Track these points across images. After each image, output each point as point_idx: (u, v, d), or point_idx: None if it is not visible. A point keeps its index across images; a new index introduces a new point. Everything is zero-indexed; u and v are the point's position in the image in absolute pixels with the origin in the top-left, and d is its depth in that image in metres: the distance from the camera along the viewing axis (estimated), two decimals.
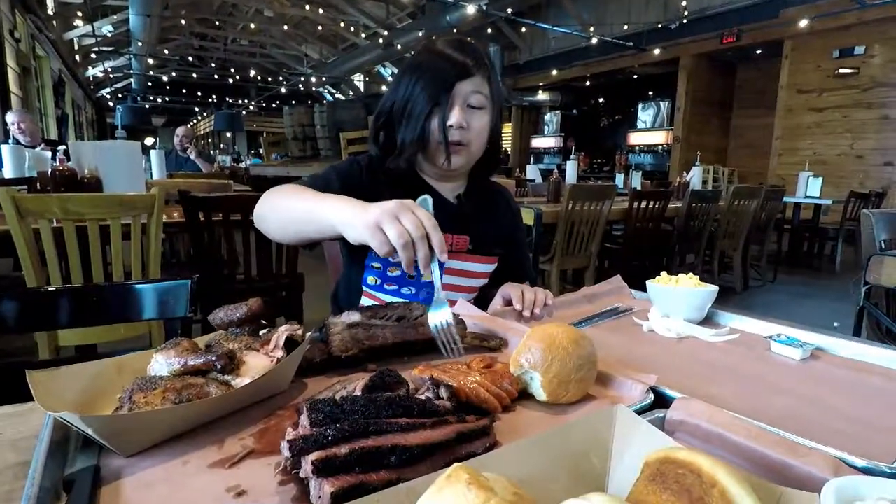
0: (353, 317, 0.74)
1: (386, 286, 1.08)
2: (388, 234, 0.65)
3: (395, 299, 1.00)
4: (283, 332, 0.65)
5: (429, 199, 0.75)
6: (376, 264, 1.07)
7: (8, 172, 2.99)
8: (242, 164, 11.29)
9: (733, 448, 0.48)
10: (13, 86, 6.23)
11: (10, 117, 4.16)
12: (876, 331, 1.83)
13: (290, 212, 0.86)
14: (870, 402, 0.65)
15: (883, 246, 1.88)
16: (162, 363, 0.60)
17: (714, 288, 0.95)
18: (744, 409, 0.58)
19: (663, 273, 1.01)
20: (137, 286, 1.02)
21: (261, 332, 0.68)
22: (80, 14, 9.73)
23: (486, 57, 1.03)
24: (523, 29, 11.05)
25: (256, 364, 0.60)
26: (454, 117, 0.98)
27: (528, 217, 3.17)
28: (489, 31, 11.03)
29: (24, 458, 0.50)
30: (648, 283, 0.99)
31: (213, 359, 0.58)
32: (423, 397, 0.53)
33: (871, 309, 1.71)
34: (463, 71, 0.99)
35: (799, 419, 0.59)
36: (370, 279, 1.08)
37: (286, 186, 0.92)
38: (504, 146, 14.32)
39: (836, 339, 0.82)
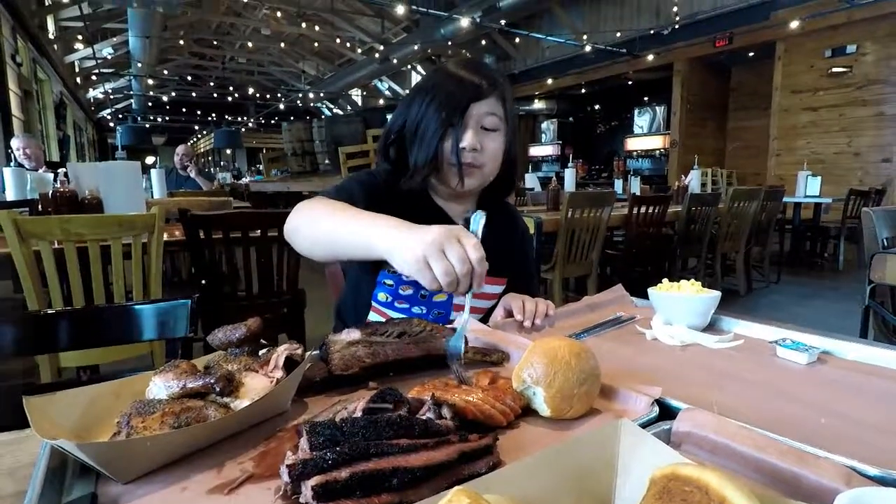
0: (354, 334, 0.74)
1: (396, 304, 1.07)
2: (434, 271, 0.64)
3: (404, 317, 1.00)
4: (282, 351, 0.64)
5: (480, 215, 0.72)
6: (389, 281, 1.06)
7: (10, 195, 3.01)
8: (243, 181, 11.34)
9: (742, 459, 0.47)
10: (15, 109, 6.28)
11: (16, 142, 4.18)
12: (883, 329, 1.81)
13: (329, 230, 0.82)
14: (880, 407, 0.63)
15: (886, 244, 1.87)
16: (160, 386, 0.59)
17: (716, 293, 0.94)
18: (751, 417, 0.57)
19: (665, 280, 1.00)
20: (137, 307, 1.02)
21: (260, 352, 0.68)
22: (80, 37, 9.84)
23: (500, 78, 1.03)
24: (517, 39, 11.14)
25: (256, 385, 0.60)
26: (467, 139, 0.98)
27: (528, 226, 3.17)
28: (483, 42, 11.12)
29: (20, 488, 0.50)
30: (650, 290, 0.99)
31: (212, 381, 0.57)
32: (424, 417, 0.52)
33: (876, 308, 1.70)
34: (477, 92, 0.98)
35: (808, 426, 0.58)
36: (381, 296, 1.08)
37: (319, 200, 0.89)
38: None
39: (843, 341, 0.81)
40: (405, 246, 0.66)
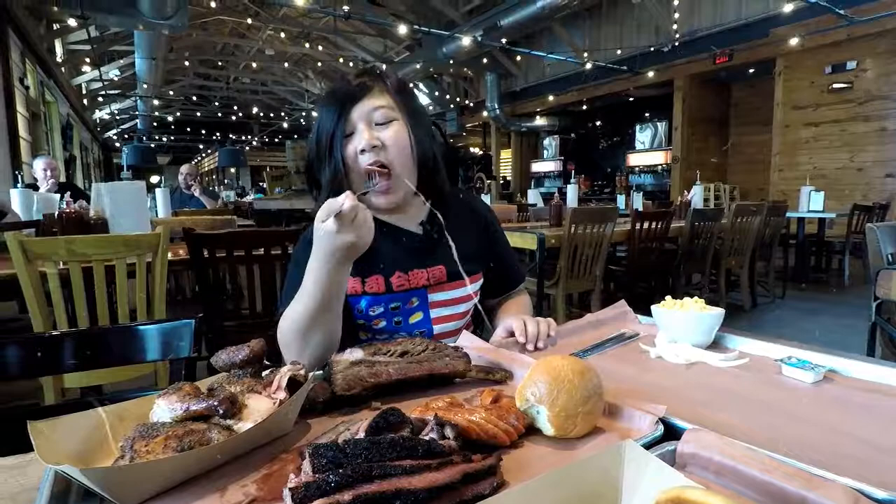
0: (356, 354, 0.74)
1: (378, 338, 1.05)
2: (333, 226, 0.76)
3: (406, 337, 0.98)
4: (285, 372, 0.64)
5: None
6: (360, 321, 1.04)
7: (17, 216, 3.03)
8: (247, 199, 11.41)
9: (748, 482, 0.46)
10: (22, 131, 6.36)
11: (42, 163, 4.15)
12: (890, 346, 1.80)
13: (302, 319, 0.84)
14: (888, 427, 0.63)
15: (890, 259, 1.86)
16: (164, 409, 0.59)
17: (720, 311, 0.93)
18: (756, 437, 0.57)
19: (668, 297, 1.00)
20: (141, 328, 1.02)
21: (263, 374, 0.68)
22: (87, 60, 10.01)
23: (381, 72, 1.02)
24: (518, 57, 11.28)
25: (259, 407, 0.60)
26: (364, 141, 0.94)
27: (531, 242, 3.18)
28: (485, 60, 11.26)
29: None
30: (653, 307, 0.98)
31: (215, 404, 0.57)
32: (427, 437, 0.52)
33: (883, 325, 1.69)
34: (357, 91, 0.96)
35: (814, 447, 0.57)
36: (361, 334, 1.07)
37: (281, 325, 0.89)
38: (504, 172, 14.39)
39: (850, 360, 0.81)
40: (318, 248, 0.80)
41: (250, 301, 2.22)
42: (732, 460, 0.48)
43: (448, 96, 13.97)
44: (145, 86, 11.75)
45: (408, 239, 1.06)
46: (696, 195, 5.14)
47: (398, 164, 0.97)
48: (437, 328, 1.06)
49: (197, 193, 5.26)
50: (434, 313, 1.06)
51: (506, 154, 14.36)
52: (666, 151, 10.14)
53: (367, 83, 0.98)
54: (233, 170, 22.38)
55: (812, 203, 5.51)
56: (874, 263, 1.85)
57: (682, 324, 0.92)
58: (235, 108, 17.32)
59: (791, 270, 5.83)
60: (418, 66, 10.76)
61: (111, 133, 19.47)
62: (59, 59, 8.97)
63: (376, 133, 0.96)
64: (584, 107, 12.18)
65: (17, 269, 1.64)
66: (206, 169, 23.53)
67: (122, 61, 11.35)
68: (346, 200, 0.75)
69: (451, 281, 1.06)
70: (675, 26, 8.40)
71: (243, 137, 21.58)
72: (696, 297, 0.98)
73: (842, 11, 6.09)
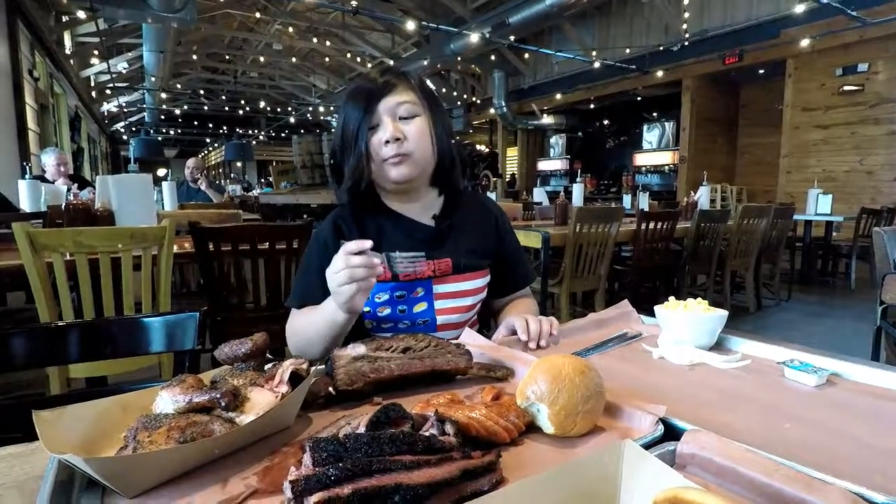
0: (359, 349, 0.74)
1: (383, 325, 1.07)
2: (340, 289, 0.84)
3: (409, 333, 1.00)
4: (287, 366, 0.64)
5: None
6: (366, 308, 1.05)
7: (25, 207, 3.06)
8: (253, 193, 11.45)
9: (747, 483, 0.46)
10: (31, 123, 6.40)
11: (52, 158, 4.15)
12: (895, 351, 1.79)
13: (315, 333, 0.96)
14: (890, 431, 0.62)
15: None
16: (167, 400, 0.60)
17: (724, 312, 0.93)
18: (757, 439, 0.57)
19: (671, 298, 1.00)
20: (146, 320, 1.03)
21: (266, 367, 0.68)
22: (96, 52, 10.05)
23: (406, 71, 1.07)
24: (526, 55, 11.25)
25: (261, 400, 0.60)
26: (388, 132, 0.99)
27: (535, 241, 3.17)
28: (493, 57, 11.23)
29: (29, 501, 0.50)
30: (657, 308, 0.98)
31: (218, 396, 0.58)
32: (427, 433, 0.52)
33: (888, 329, 1.68)
34: (384, 87, 1.01)
35: (815, 450, 0.57)
36: (367, 322, 1.08)
37: (293, 321, 1.03)
38: (510, 170, 14.36)
39: (853, 363, 0.80)
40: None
41: (254, 295, 2.23)
42: (732, 462, 0.48)
43: (455, 93, 13.95)
44: (153, 79, 11.80)
45: (419, 231, 1.09)
46: (703, 196, 5.11)
47: (417, 155, 1.03)
48: (440, 318, 1.08)
49: (203, 187, 5.28)
50: (438, 304, 1.07)
51: (512, 152, 14.34)
52: (673, 152, 10.09)
53: (393, 80, 1.02)
54: (239, 164, 22.48)
55: (820, 206, 5.47)
56: (881, 268, 1.84)
57: (685, 325, 0.92)
58: (242, 102, 17.37)
59: (797, 273, 5.80)
60: (426, 63, 10.74)
61: (119, 126, 19.55)
62: (67, 52, 9.01)
63: (400, 126, 1.01)
64: (592, 105, 12.13)
65: (24, 260, 1.65)
66: (213, 163, 23.60)
67: (130, 54, 11.40)
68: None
69: (457, 273, 1.08)
70: (684, 26, 8.35)
71: (250, 132, 21.63)
72: (699, 299, 0.98)
73: (854, 13, 6.03)
